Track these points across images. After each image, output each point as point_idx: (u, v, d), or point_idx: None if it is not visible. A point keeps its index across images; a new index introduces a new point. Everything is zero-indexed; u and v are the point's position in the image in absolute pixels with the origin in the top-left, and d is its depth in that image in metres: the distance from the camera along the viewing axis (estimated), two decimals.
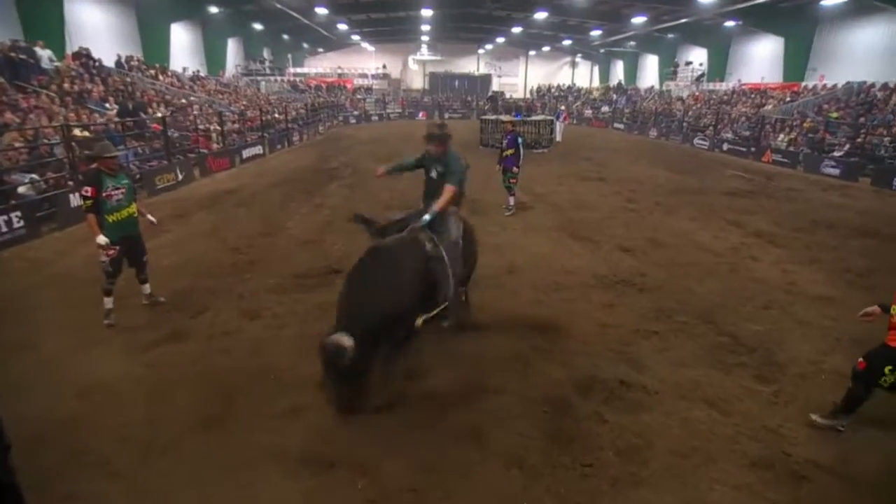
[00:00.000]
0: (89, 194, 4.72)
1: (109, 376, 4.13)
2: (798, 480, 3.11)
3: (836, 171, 14.21)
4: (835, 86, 20.12)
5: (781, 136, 17.68)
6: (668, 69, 32.19)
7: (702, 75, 29.45)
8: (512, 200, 9.43)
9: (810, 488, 3.06)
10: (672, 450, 3.35)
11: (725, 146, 19.71)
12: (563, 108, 29.59)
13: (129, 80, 16.50)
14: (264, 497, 2.94)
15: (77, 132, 10.46)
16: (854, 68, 19.58)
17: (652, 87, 33.94)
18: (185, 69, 23.40)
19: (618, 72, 39.42)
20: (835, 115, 17.53)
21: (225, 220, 9.11)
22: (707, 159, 17.96)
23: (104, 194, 4.79)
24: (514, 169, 9.23)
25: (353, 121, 32.29)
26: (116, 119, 12.57)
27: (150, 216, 5.46)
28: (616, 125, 29.99)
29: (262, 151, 17.30)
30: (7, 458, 0.60)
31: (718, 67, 28.00)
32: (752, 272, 6.62)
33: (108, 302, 5.00)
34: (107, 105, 13.55)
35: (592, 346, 4.66)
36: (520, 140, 9.36)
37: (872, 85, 18.32)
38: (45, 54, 13.57)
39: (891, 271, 6.48)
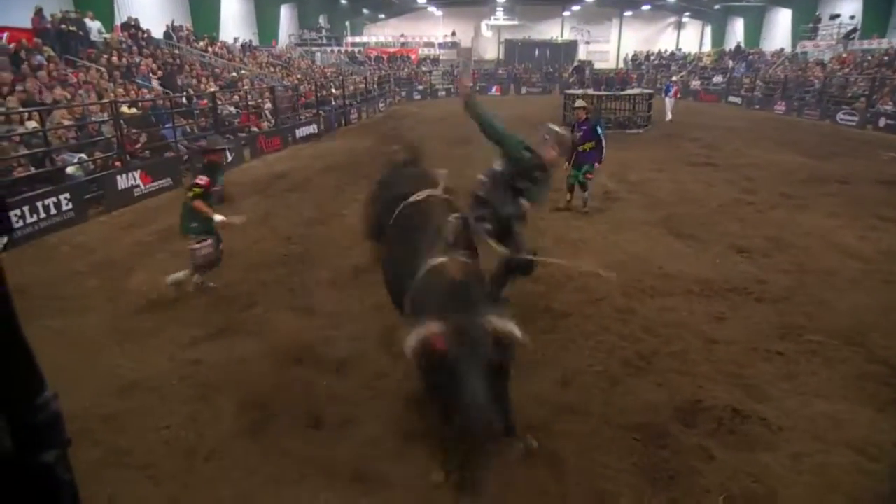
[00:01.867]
0: (203, 184, 5.38)
1: (153, 373, 4.45)
2: None
3: None
4: None
5: None
6: (806, 25, 29.92)
7: (853, 31, 27.05)
8: (586, 195, 8.69)
9: None
10: (798, 498, 3.14)
11: (883, 122, 18.16)
12: (675, 79, 27.87)
13: (177, 52, 17.65)
14: None
15: (125, 109, 11.32)
16: None
17: (781, 49, 31.85)
18: (235, 39, 24.69)
19: (736, 32, 37.34)
20: None
21: (276, 206, 9.53)
22: (855, 139, 16.64)
23: (214, 188, 5.50)
24: (597, 164, 8.47)
25: (418, 96, 32.76)
26: (164, 95, 13.48)
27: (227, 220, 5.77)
28: (732, 98, 28.49)
29: (316, 131, 17.93)
30: (66, 454, 0.66)
31: (878, 20, 25.60)
32: None
33: (197, 277, 5.75)
34: (154, 80, 14.58)
35: (697, 366, 4.47)
36: (600, 130, 8.42)
37: None
38: (94, 26, 14.81)
39: None
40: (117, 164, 10.02)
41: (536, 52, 41.59)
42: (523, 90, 35.57)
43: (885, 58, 23.14)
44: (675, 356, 4.63)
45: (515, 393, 4.04)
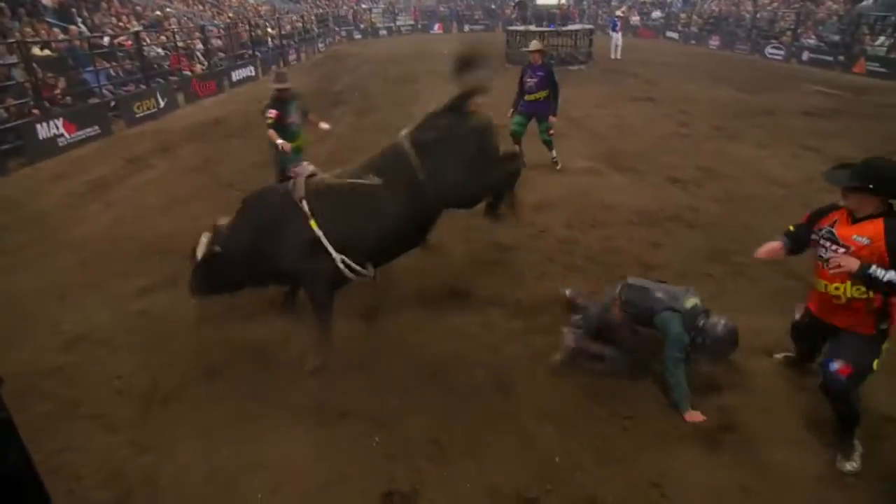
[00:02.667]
0: (273, 116, 5.67)
1: (99, 325, 4.33)
2: None
3: None
4: None
5: (882, 38, 16.56)
6: None
7: None
8: (553, 152, 7.88)
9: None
10: (726, 404, 3.40)
11: (806, 56, 18.75)
12: (619, 13, 26.75)
13: None
14: (274, 448, 3.11)
15: (37, 51, 10.39)
16: None
17: None
18: None
19: None
20: None
21: (216, 152, 9.15)
22: (781, 73, 17.17)
23: (287, 120, 5.76)
24: (552, 118, 7.50)
25: (359, 35, 31.45)
26: (82, 36, 12.42)
27: (323, 124, 6.29)
28: (669, 34, 28.64)
29: (253, 73, 17.09)
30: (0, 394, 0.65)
31: None
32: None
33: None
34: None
35: None
36: (555, 76, 7.49)
37: None
38: None
39: None
40: (35, 111, 9.28)
41: None
42: (466, 27, 34.66)
43: None
44: (616, 282, 4.82)
45: (470, 324, 4.20)
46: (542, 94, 7.31)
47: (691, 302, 3.42)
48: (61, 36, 12.12)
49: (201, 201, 6.87)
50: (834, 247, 2.82)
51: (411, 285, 4.70)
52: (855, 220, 2.77)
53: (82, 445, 3.17)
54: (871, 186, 2.64)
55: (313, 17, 27.35)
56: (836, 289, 2.84)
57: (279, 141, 5.64)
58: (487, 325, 4.21)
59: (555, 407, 3.39)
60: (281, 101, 5.74)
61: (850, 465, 2.91)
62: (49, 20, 12.75)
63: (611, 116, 11.13)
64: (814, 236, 2.97)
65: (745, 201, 6.60)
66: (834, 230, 2.85)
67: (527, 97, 7.32)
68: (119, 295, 4.76)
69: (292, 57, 20.95)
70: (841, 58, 17.23)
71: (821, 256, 2.90)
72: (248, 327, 4.18)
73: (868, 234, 2.68)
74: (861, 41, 17.08)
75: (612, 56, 19.63)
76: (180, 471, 3.00)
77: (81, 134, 9.73)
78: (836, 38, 18.31)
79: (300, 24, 24.85)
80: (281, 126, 5.69)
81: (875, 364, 2.84)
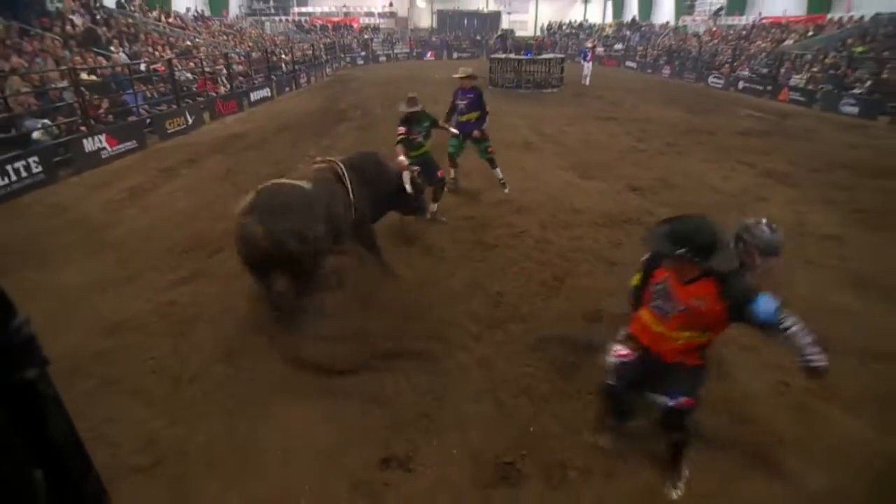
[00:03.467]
0: (402, 132, 5.73)
1: (134, 314, 4.26)
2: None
3: (854, 110, 13.59)
4: (861, 18, 18.90)
5: (801, 74, 16.77)
6: (686, 3, 30.32)
7: (720, 9, 27.71)
8: (497, 169, 7.01)
9: None
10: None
11: (741, 84, 18.83)
12: (589, 44, 26.50)
13: (131, 21, 15.94)
14: (287, 420, 3.07)
15: (85, 76, 10.24)
16: None
17: (667, 22, 32.13)
18: (188, 10, 22.53)
19: (632, 7, 37.23)
20: (860, 49, 16.51)
21: (236, 163, 9.03)
22: (721, 98, 17.26)
23: (411, 136, 5.79)
24: (476, 133, 6.65)
25: (361, 62, 31.20)
26: (123, 63, 12.26)
27: (451, 129, 6.35)
28: (629, 63, 28.71)
29: (269, 94, 16.89)
30: (46, 372, 0.65)
31: (738, 0, 26.36)
32: (762, 212, 6.47)
33: (434, 206, 6.10)
34: (112, 48, 13.17)
35: (600, 283, 4.68)
36: (484, 99, 6.79)
37: None
38: None
39: None
40: (82, 128, 9.13)
41: (465, 22, 40.10)
42: (454, 55, 34.55)
43: (743, 31, 23.94)
44: (583, 276, 4.83)
45: (456, 313, 4.17)
46: (472, 116, 6.66)
47: None
48: (105, 63, 11.95)
49: (224, 205, 6.77)
50: (673, 303, 2.36)
51: (405, 279, 4.68)
52: (686, 281, 2.31)
53: (121, 417, 3.12)
54: (689, 255, 2.18)
55: (322, 46, 27.11)
56: (677, 335, 2.40)
57: (401, 157, 5.32)
58: (471, 314, 4.20)
59: (529, 383, 3.39)
60: (409, 120, 5.79)
61: (677, 493, 2.65)
62: (95, 50, 12.56)
63: (579, 133, 11.13)
64: (650, 288, 2.49)
65: (692, 207, 6.60)
66: (669, 288, 2.37)
67: (459, 118, 6.74)
68: (153, 287, 4.69)
69: (303, 80, 20.72)
70: (769, 87, 17.31)
71: (659, 307, 2.42)
72: (263, 316, 4.14)
73: (701, 295, 2.27)
74: (784, 75, 17.23)
75: (584, 82, 19.55)
76: (206, 440, 2.97)
77: (121, 147, 9.59)
78: (765, 70, 18.44)
79: (310, 52, 24.62)
80: (407, 140, 5.77)
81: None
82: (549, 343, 3.80)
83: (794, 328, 2.13)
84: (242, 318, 4.08)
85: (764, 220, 2.51)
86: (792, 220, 6.19)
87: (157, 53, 14.50)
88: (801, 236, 5.74)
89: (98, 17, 14.33)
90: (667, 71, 24.52)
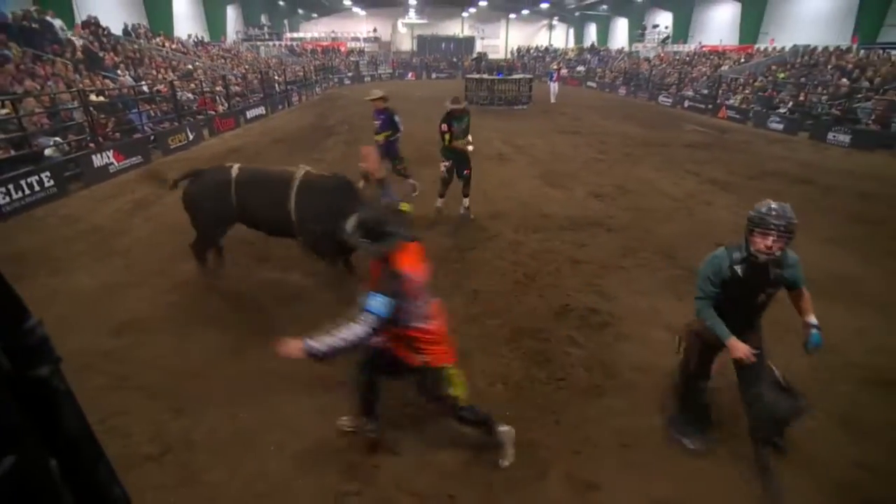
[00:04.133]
0: (445, 130, 5.78)
1: (141, 316, 4.16)
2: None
3: (780, 126, 14.04)
4: (783, 48, 19.68)
5: (736, 95, 17.24)
6: (637, 31, 31.01)
7: (667, 38, 28.41)
8: (412, 179, 7.03)
9: None
10: (633, 366, 3.49)
11: (686, 103, 19.26)
12: (555, 66, 26.36)
13: (136, 47, 15.57)
14: (284, 411, 3.04)
15: (93, 97, 9.98)
16: (800, 32, 19.41)
17: (622, 48, 32.74)
18: (189, 36, 22.09)
19: (591, 34, 37.88)
20: (782, 75, 17.14)
21: None
22: (670, 115, 17.62)
23: (452, 130, 5.79)
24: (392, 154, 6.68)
25: (348, 82, 30.98)
26: (129, 85, 11.97)
27: (468, 147, 6.04)
28: (589, 83, 29.10)
29: (264, 112, 16.66)
30: (59, 369, 0.65)
31: (682, 30, 27.09)
32: (706, 215, 6.67)
33: (440, 202, 6.29)
34: (118, 72, 12.85)
35: (567, 280, 4.74)
36: (397, 118, 6.62)
37: (815, 48, 18.00)
38: (56, 23, 12.66)
39: (822, 212, 6.57)
40: (91, 145, 8.89)
41: (443, 46, 40.24)
42: (433, 75, 34.66)
43: (687, 57, 24.56)
44: (551, 274, 4.88)
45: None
46: (384, 135, 6.57)
47: None
48: (112, 85, 11.65)
49: None
50: None
51: None
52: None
53: (130, 411, 3.04)
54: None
55: (312, 68, 26.86)
56: None
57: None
58: (450, 310, 4.17)
59: (504, 372, 3.42)
60: (451, 117, 5.78)
61: (506, 462, 2.63)
62: (103, 73, 12.24)
63: (547, 145, 11.23)
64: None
65: (648, 211, 6.76)
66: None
67: (375, 136, 6.66)
68: (157, 290, 4.59)
69: (295, 99, 20.44)
70: (710, 106, 17.73)
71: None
72: (260, 315, 4.09)
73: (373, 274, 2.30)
74: (722, 95, 17.71)
75: (552, 100, 19.70)
76: (209, 430, 2.91)
77: (127, 162, 9.34)
78: (706, 91, 18.92)
79: (301, 73, 24.38)
80: (451, 133, 5.84)
81: (453, 389, 2.46)
82: (521, 335, 3.83)
83: (343, 328, 2.14)
84: (242, 319, 4.02)
85: (771, 202, 2.34)
86: (731, 222, 6.34)
87: (160, 76, 14.20)
88: (740, 236, 5.87)
89: (106, 43, 13.98)
90: (623, 90, 24.95)
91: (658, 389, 3.21)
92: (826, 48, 17.53)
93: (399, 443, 2.82)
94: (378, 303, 2.14)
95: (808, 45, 18.42)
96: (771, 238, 2.26)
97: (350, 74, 31.85)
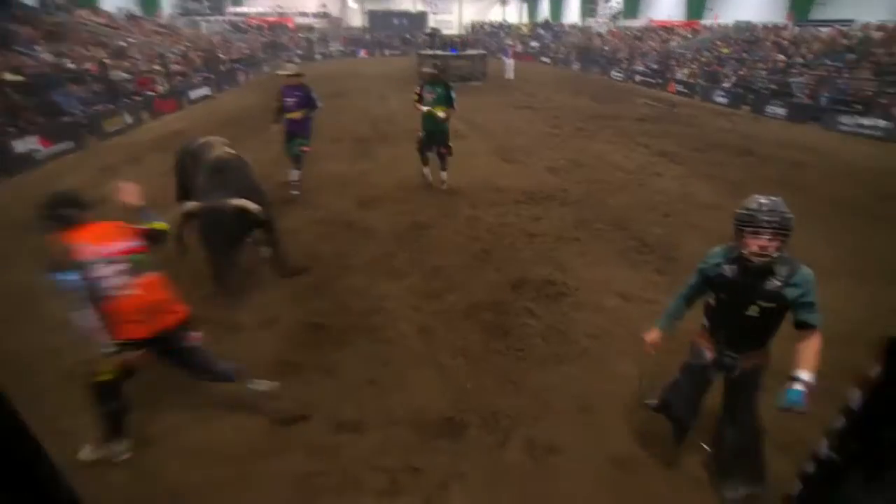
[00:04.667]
0: (417, 91, 6.12)
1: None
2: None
3: (724, 100, 14.61)
4: (727, 25, 20.37)
5: (684, 70, 17.77)
6: (589, 6, 31.17)
7: (618, 12, 28.75)
8: (297, 174, 6.28)
9: None
10: (588, 333, 3.59)
11: (637, 78, 19.67)
12: (509, 42, 25.90)
13: (58, 20, 14.24)
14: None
15: (8, 76, 9.07)
16: (743, 9, 20.01)
17: (575, 23, 32.91)
18: (119, 9, 20.39)
19: (544, 10, 37.81)
20: (726, 50, 17.76)
21: None
22: (622, 89, 17.97)
23: (425, 94, 6.04)
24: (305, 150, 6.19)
25: (298, 60, 29.62)
26: (50, 62, 10.95)
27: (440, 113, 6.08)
28: (543, 59, 29.18)
29: (209, 92, 15.76)
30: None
31: (633, 4, 27.42)
32: (656, 186, 6.89)
33: (426, 170, 6.59)
34: (37, 48, 11.72)
35: (522, 253, 4.81)
36: (314, 95, 6.11)
37: (755, 25, 18.74)
38: None
39: (761, 182, 6.91)
40: (9, 129, 8.10)
41: (395, 21, 39.08)
42: (386, 52, 33.75)
43: (637, 33, 24.98)
44: (508, 248, 4.93)
45: (397, 287, 4.15)
46: (299, 114, 6.04)
47: None
48: (31, 63, 10.61)
49: (167, 201, 6.29)
50: None
51: (351, 259, 4.59)
52: None
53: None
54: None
55: (259, 45, 25.50)
56: None
57: (423, 108, 6.10)
58: (410, 287, 4.19)
59: (464, 345, 3.45)
60: (424, 80, 6.14)
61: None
62: (19, 49, 11.12)
63: (502, 120, 11.21)
64: None
65: (600, 183, 6.91)
66: None
67: (286, 115, 6.06)
68: None
69: (241, 78, 19.43)
70: (659, 81, 18.21)
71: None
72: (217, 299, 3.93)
73: None
74: (671, 70, 18.20)
75: (507, 76, 19.47)
76: (172, 425, 2.79)
77: (56, 148, 8.62)
78: (656, 66, 19.38)
79: (248, 51, 23.11)
80: (420, 97, 6.10)
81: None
82: (480, 309, 3.86)
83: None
84: (204, 306, 3.82)
85: (760, 197, 2.01)
86: (679, 192, 6.61)
87: (87, 53, 13.07)
88: (687, 205, 6.13)
89: (20, 16, 12.71)
90: (576, 65, 25.17)
91: (612, 354, 3.34)
92: (765, 25, 18.30)
93: (362, 421, 2.80)
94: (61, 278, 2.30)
95: (749, 22, 19.15)
96: (764, 237, 1.94)
97: (300, 52, 30.50)
